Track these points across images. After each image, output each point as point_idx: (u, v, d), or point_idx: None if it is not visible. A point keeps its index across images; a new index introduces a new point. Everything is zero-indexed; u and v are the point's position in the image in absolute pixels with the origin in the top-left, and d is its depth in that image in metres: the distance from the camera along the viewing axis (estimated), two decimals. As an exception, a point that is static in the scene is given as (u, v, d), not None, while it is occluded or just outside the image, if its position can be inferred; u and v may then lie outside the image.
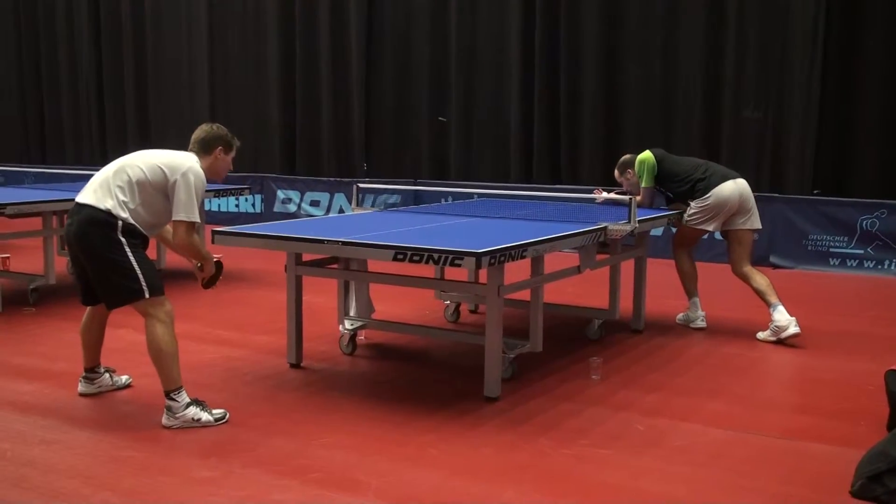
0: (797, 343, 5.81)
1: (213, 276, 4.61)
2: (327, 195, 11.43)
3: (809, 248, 8.88)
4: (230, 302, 7.14)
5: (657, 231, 8.72)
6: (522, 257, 4.54)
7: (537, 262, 5.03)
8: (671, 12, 9.65)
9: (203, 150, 4.47)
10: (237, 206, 12.11)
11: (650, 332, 6.17)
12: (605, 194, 6.32)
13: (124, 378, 4.82)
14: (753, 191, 6.20)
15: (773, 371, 5.46)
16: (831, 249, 8.79)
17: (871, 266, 8.59)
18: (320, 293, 6.13)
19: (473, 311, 6.76)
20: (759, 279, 5.96)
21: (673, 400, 4.72)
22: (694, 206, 6.10)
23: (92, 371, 4.70)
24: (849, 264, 8.71)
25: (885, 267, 8.52)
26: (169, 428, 4.19)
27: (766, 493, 3.56)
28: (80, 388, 4.70)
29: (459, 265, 4.24)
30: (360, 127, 11.63)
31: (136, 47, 13.40)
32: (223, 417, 4.29)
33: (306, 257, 5.18)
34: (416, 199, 10.34)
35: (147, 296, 4.19)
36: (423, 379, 5.14)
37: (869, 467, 3.48)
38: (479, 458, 3.90)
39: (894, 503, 3.38)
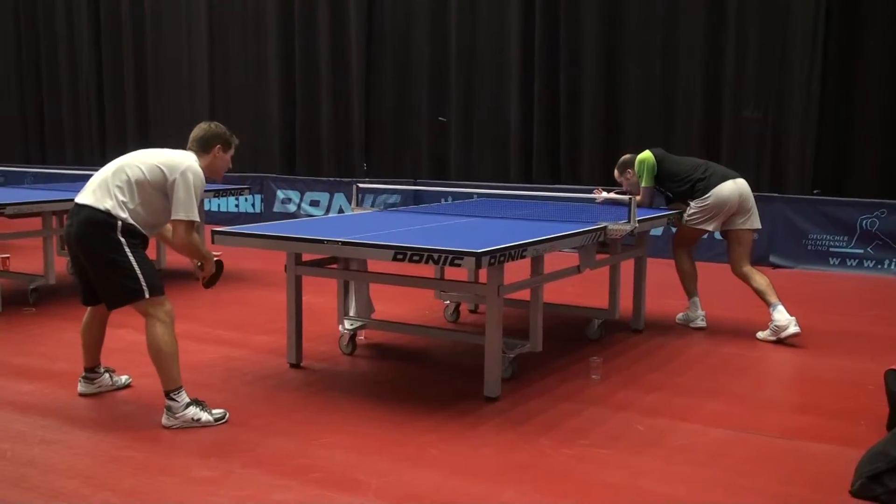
0: (797, 343, 5.82)
1: (214, 275, 4.62)
2: (327, 195, 11.43)
3: (809, 247, 8.88)
4: (230, 302, 7.14)
5: (657, 231, 8.72)
6: (522, 257, 4.54)
7: (537, 262, 5.03)
8: (671, 12, 9.65)
9: (202, 148, 4.47)
10: (237, 206, 12.11)
11: (650, 332, 6.17)
12: (604, 194, 6.31)
13: (124, 378, 4.82)
14: (753, 191, 6.20)
15: (772, 371, 5.46)
16: (831, 249, 8.79)
17: (870, 266, 8.59)
18: (320, 293, 6.14)
19: (473, 311, 6.75)
20: (759, 279, 5.96)
21: (673, 400, 4.72)
22: (694, 205, 6.10)
23: (92, 371, 4.70)
24: (849, 264, 8.71)
25: (885, 266, 8.52)
26: (169, 428, 4.19)
27: (766, 492, 3.56)
28: (80, 388, 4.70)
29: (459, 265, 4.24)
30: (359, 127, 11.62)
31: (136, 47, 13.40)
32: (223, 417, 4.29)
33: (306, 257, 5.17)
34: (416, 199, 10.33)
35: (147, 296, 4.19)
36: (423, 379, 5.14)
37: (869, 467, 3.48)
38: (479, 457, 3.90)
39: (894, 503, 3.39)
